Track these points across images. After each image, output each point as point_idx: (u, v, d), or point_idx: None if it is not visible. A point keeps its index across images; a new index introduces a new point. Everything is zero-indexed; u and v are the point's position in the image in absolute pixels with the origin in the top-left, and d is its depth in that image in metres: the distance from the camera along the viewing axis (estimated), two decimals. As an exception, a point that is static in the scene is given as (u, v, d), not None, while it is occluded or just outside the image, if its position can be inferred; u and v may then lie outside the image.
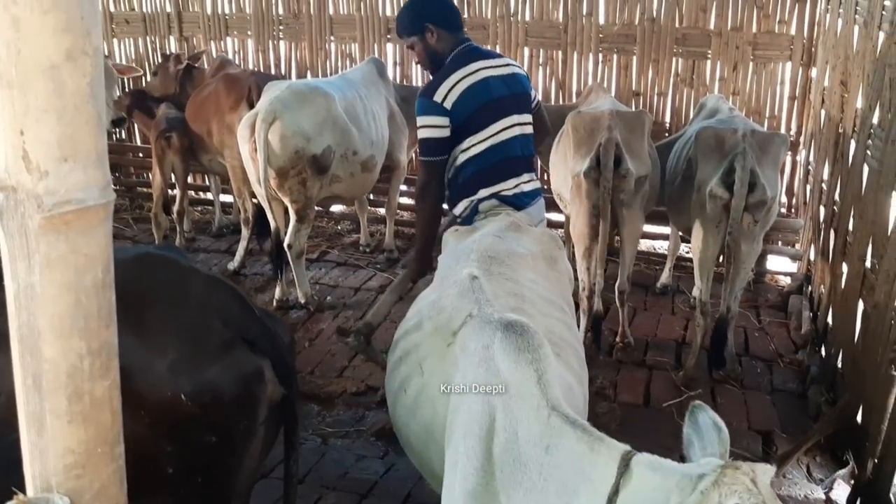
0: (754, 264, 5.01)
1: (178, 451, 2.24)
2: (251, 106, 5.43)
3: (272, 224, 5.41)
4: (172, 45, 7.83)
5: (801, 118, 6.35)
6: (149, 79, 7.25)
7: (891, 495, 3.33)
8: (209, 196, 7.51)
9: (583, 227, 4.43)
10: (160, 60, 7.12)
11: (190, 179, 7.11)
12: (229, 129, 5.58)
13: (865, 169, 4.09)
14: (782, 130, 6.35)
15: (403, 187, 6.70)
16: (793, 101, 6.35)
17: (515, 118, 3.72)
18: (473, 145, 3.64)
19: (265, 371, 2.41)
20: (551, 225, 5.25)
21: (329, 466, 3.86)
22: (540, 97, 6.81)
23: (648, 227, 6.11)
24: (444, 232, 3.38)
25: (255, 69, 7.37)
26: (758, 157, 4.17)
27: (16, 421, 1.51)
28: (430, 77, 3.81)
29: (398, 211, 6.74)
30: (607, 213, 4.35)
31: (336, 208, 7.20)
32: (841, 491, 3.68)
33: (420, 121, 3.66)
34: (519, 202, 3.70)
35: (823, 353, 4.78)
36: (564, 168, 4.67)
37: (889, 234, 3.56)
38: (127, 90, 7.57)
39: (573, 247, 4.75)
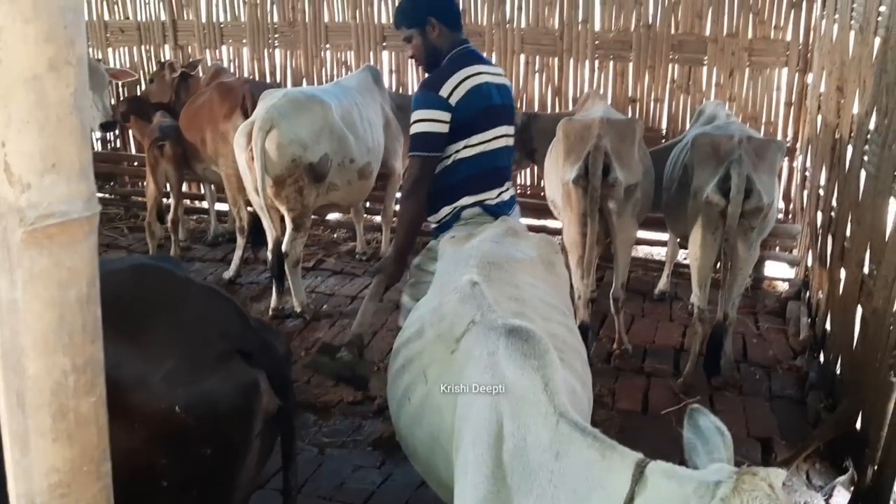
0: (752, 270, 4.99)
1: (174, 464, 2.23)
2: (245, 114, 5.41)
3: (271, 233, 5.37)
4: (167, 54, 7.84)
5: (797, 124, 6.35)
6: (143, 85, 7.25)
7: (891, 502, 3.31)
8: (204, 205, 7.48)
9: (574, 234, 4.42)
10: (156, 68, 7.11)
11: (186, 188, 7.10)
12: (223, 138, 5.57)
13: (862, 174, 4.08)
14: (779, 136, 6.35)
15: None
16: (789, 107, 6.35)
17: (504, 129, 3.68)
18: (465, 148, 3.55)
19: (261, 382, 2.40)
20: (550, 231, 5.23)
21: (326, 477, 3.82)
22: (536, 104, 6.92)
23: (646, 234, 6.10)
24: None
25: (251, 77, 7.37)
26: (754, 163, 4.15)
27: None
28: (425, 74, 3.75)
29: (394, 218, 6.71)
30: (595, 222, 4.32)
31: (332, 216, 7.17)
32: (841, 498, 3.65)
33: (420, 114, 3.48)
34: (500, 211, 3.64)
35: (822, 359, 4.76)
36: (556, 175, 4.65)
37: (887, 239, 3.54)
38: (123, 97, 7.58)
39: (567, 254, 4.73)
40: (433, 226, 3.69)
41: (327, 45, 7.40)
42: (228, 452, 2.33)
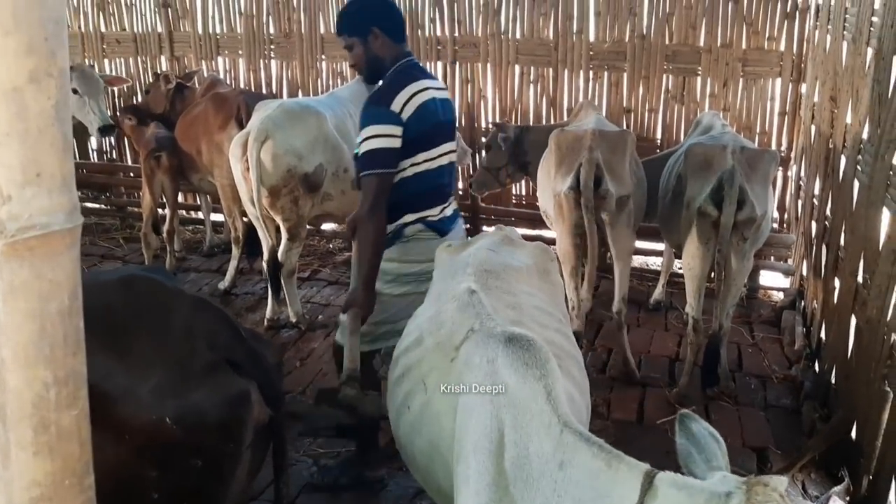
0: (747, 280, 4.98)
1: (163, 477, 2.22)
2: (240, 125, 5.43)
3: (266, 243, 5.37)
4: (163, 65, 7.85)
5: (791, 134, 6.36)
6: (139, 95, 7.26)
7: (887, 513, 3.30)
8: (200, 215, 7.48)
9: (567, 245, 4.42)
10: (151, 80, 7.12)
11: (181, 199, 7.09)
12: (218, 148, 5.57)
13: (856, 184, 4.08)
14: (773, 146, 6.36)
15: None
16: (783, 117, 6.36)
17: (449, 146, 3.57)
18: (412, 166, 3.41)
19: (251, 393, 2.39)
20: (544, 241, 5.22)
21: (320, 488, 3.80)
22: (531, 115, 6.93)
23: (640, 244, 6.10)
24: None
25: (247, 88, 7.37)
26: (747, 174, 4.15)
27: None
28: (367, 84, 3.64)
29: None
30: (594, 234, 4.31)
31: (327, 227, 7.16)
32: (836, 509, 3.64)
33: (372, 130, 3.30)
34: (444, 227, 3.55)
35: (817, 368, 4.75)
36: (548, 186, 4.65)
37: (880, 249, 3.54)
38: (121, 106, 7.59)
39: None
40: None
41: (323, 56, 7.41)
42: (219, 464, 2.32)
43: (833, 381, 4.29)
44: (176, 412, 2.16)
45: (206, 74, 7.36)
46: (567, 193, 4.31)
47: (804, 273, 5.64)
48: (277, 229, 5.27)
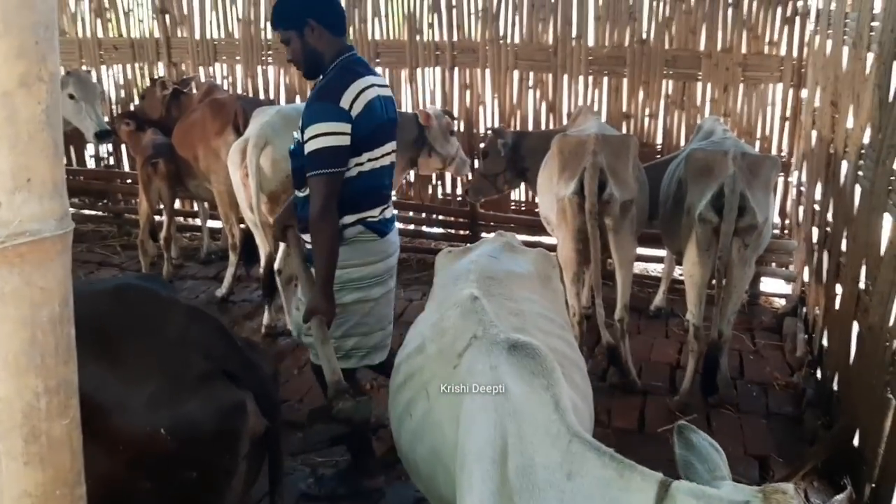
0: (748, 286, 4.96)
1: (157, 489, 2.21)
2: (237, 131, 5.41)
3: (264, 250, 5.34)
4: (161, 71, 7.84)
5: (792, 139, 6.35)
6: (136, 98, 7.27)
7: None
8: (197, 222, 7.45)
9: (569, 251, 4.39)
10: (147, 85, 7.11)
11: (178, 205, 7.07)
12: (215, 154, 5.55)
13: (857, 190, 4.06)
14: (774, 151, 6.36)
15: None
16: (784, 122, 6.35)
17: (391, 145, 3.49)
18: (356, 166, 3.30)
19: (247, 404, 2.38)
20: (544, 248, 5.19)
21: (317, 498, 3.77)
22: (530, 120, 6.92)
23: (641, 250, 6.07)
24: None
25: (244, 94, 7.36)
26: (748, 180, 4.13)
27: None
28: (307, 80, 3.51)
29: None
30: (597, 240, 4.28)
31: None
32: (839, 517, 3.61)
33: (320, 127, 3.16)
34: (384, 228, 3.48)
35: (819, 376, 4.72)
36: (550, 191, 4.63)
37: (882, 255, 3.52)
38: (117, 114, 7.58)
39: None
40: (309, 246, 3.41)
41: (321, 62, 7.38)
42: (214, 476, 2.30)
43: (835, 388, 4.27)
44: (170, 423, 2.14)
45: (203, 80, 7.34)
46: (570, 198, 4.29)
47: (806, 279, 5.62)
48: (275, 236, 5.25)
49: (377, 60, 7.19)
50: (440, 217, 7.10)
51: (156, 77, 7.22)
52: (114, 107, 8.08)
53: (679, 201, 4.46)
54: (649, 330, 5.56)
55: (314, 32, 3.27)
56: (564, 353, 2.46)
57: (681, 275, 5.78)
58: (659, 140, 6.68)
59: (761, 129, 6.42)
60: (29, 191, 1.30)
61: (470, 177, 6.82)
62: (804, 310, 5.57)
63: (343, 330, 3.42)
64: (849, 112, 4.40)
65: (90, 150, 8.31)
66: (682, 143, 6.30)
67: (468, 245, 3.30)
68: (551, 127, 6.70)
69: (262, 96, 7.51)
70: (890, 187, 3.50)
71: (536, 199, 6.07)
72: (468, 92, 7.06)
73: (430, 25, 7.01)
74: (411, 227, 7.24)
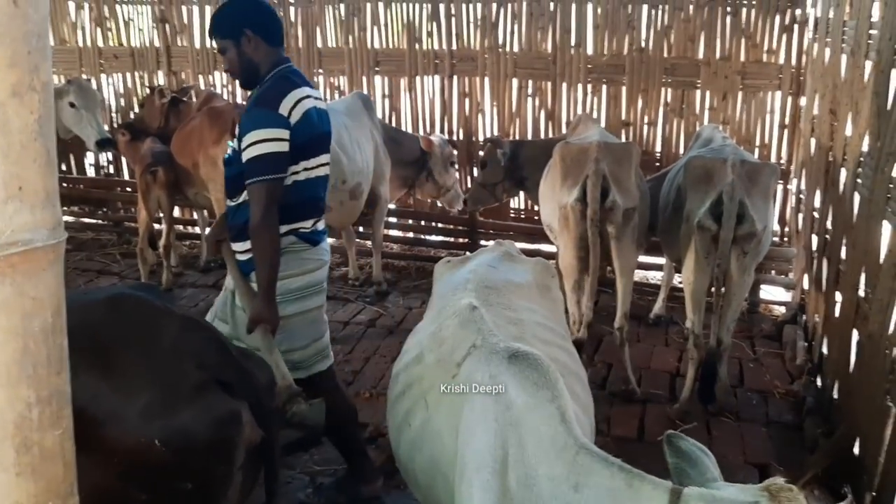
0: (748, 294, 4.95)
1: (152, 500, 2.20)
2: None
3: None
4: (161, 80, 7.85)
5: (791, 146, 6.35)
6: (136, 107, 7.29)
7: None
8: (196, 230, 7.45)
9: (570, 259, 4.38)
10: (146, 94, 7.12)
11: (178, 213, 7.06)
12: (213, 163, 5.55)
13: (856, 197, 4.06)
14: (773, 159, 6.36)
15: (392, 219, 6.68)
16: (783, 130, 6.35)
17: (326, 157, 3.49)
18: (290, 175, 3.27)
19: (242, 414, 2.36)
20: (543, 256, 5.19)
21: (316, 506, 3.77)
22: (530, 128, 6.92)
23: (640, 258, 6.07)
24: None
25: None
26: (747, 187, 4.12)
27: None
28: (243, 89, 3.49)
29: (386, 243, 6.70)
30: (597, 246, 4.27)
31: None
32: (840, 525, 3.60)
33: (261, 133, 3.13)
34: (316, 238, 3.48)
35: (819, 383, 4.71)
36: (552, 199, 4.62)
37: (881, 262, 3.51)
38: (117, 123, 7.59)
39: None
40: (240, 256, 3.39)
41: (320, 70, 7.41)
42: (209, 486, 2.29)
43: (835, 396, 4.25)
44: (164, 434, 2.13)
45: (202, 89, 7.34)
46: (573, 205, 4.28)
47: (805, 287, 5.61)
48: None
49: (377, 69, 7.21)
50: (439, 225, 7.10)
51: (154, 86, 7.23)
52: (114, 115, 8.10)
53: (678, 209, 4.45)
54: (649, 338, 5.56)
55: (250, 43, 3.28)
56: (565, 363, 2.46)
57: (680, 282, 5.79)
58: (658, 148, 6.68)
59: (760, 137, 6.42)
60: (21, 200, 1.30)
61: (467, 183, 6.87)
62: (804, 317, 5.56)
63: (288, 345, 3.35)
64: (847, 120, 4.40)
65: (90, 158, 8.32)
66: (682, 150, 6.30)
67: (467, 254, 3.30)
68: (550, 135, 6.70)
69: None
70: (889, 195, 3.50)
71: (536, 207, 6.08)
72: (467, 100, 7.07)
73: (430, 34, 7.03)
74: (410, 234, 7.23)
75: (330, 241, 6.87)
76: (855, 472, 3.67)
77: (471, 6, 6.87)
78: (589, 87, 6.70)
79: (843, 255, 4.31)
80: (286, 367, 3.13)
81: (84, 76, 7.90)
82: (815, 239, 5.25)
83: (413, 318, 5.65)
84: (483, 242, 6.63)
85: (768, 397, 4.72)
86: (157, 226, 6.42)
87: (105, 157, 8.21)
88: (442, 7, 6.93)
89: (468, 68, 6.97)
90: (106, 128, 7.00)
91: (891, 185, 3.48)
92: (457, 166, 6.72)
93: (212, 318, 3.53)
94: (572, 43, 6.61)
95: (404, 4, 7.02)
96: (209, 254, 3.71)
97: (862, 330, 3.78)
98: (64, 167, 8.16)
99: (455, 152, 6.69)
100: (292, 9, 7.38)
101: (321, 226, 3.54)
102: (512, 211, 7.14)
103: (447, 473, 2.15)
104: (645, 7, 6.40)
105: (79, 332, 1.60)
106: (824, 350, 4.70)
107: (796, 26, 6.10)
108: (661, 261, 5.93)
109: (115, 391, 2.10)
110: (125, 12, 8.02)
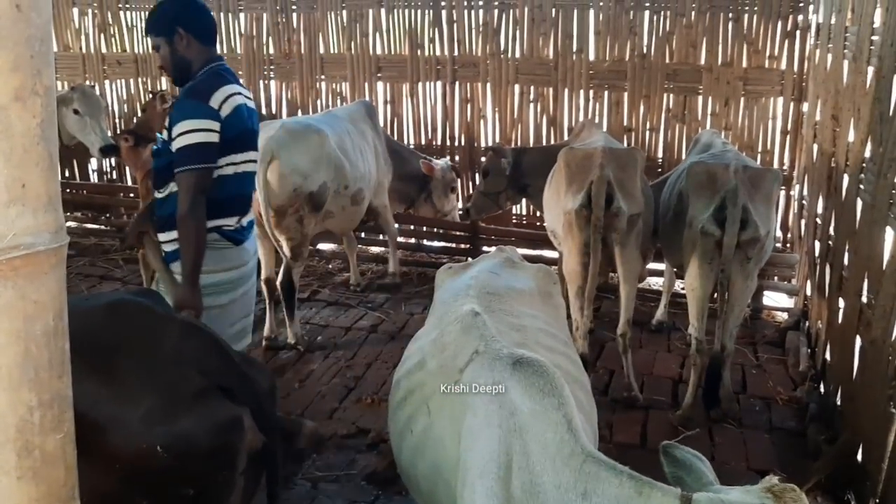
0: (750, 300, 4.93)
1: (154, 506, 2.18)
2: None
3: (265, 261, 5.34)
4: (164, 86, 7.85)
5: (793, 152, 6.35)
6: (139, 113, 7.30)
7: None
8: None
9: (574, 265, 4.36)
10: (148, 99, 7.14)
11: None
12: (215, 168, 5.56)
13: (859, 203, 4.05)
14: (775, 165, 6.36)
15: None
16: (785, 136, 6.36)
17: (253, 154, 3.54)
18: (217, 168, 3.32)
19: (244, 419, 2.35)
20: (546, 262, 5.19)
21: (317, 514, 3.76)
22: (531, 134, 6.93)
23: (643, 264, 6.07)
24: None
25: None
26: (750, 193, 4.12)
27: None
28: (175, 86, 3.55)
29: (388, 249, 6.72)
30: (598, 252, 4.27)
31: (326, 247, 7.15)
32: (843, 532, 3.59)
33: (190, 124, 3.20)
34: (240, 236, 3.51)
35: (822, 390, 4.69)
36: (557, 205, 4.61)
37: (884, 268, 3.51)
38: (120, 129, 7.60)
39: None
40: (166, 247, 3.43)
41: (322, 77, 7.43)
42: (211, 492, 2.28)
43: (838, 402, 4.24)
44: (166, 440, 2.12)
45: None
46: (578, 211, 4.27)
47: (808, 293, 5.60)
48: (275, 250, 5.27)
49: (379, 75, 7.22)
50: (441, 231, 7.10)
51: (155, 91, 7.25)
52: (118, 121, 8.11)
53: (680, 214, 4.44)
54: (651, 344, 5.54)
55: (183, 40, 3.37)
56: (568, 370, 2.45)
57: (682, 288, 5.78)
58: (660, 154, 6.69)
59: (762, 143, 6.42)
60: (23, 204, 1.30)
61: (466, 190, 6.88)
62: (807, 324, 5.55)
63: None
64: (850, 126, 4.40)
65: (93, 164, 8.33)
66: (683, 156, 6.30)
67: (469, 260, 3.30)
68: (552, 141, 6.70)
69: (263, 111, 7.54)
70: (891, 201, 3.49)
71: (538, 213, 6.08)
72: (469, 106, 7.08)
73: (432, 40, 7.05)
74: (412, 241, 7.24)
75: (331, 246, 7.00)
76: (858, 479, 3.66)
77: (472, 12, 6.90)
78: (591, 92, 6.72)
79: (845, 261, 4.30)
80: None
81: (88, 82, 7.92)
82: (817, 245, 5.24)
83: (415, 324, 5.65)
84: (485, 248, 6.61)
85: (771, 404, 4.70)
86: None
87: (108, 162, 8.24)
88: (444, 13, 6.96)
89: (470, 74, 6.99)
90: (109, 133, 7.01)
91: (893, 191, 3.48)
92: (458, 193, 6.78)
93: None
94: (574, 49, 6.62)
95: (406, 11, 7.05)
96: (129, 242, 3.75)
97: (865, 336, 3.76)
98: (67, 173, 8.18)
99: (457, 179, 6.72)
100: (295, 15, 7.41)
101: (246, 222, 3.58)
102: (514, 217, 7.15)
103: (449, 480, 2.14)
104: (647, 13, 6.42)
105: (80, 337, 1.60)
106: (827, 356, 4.69)
107: (798, 32, 6.12)
108: (662, 266, 5.92)
109: (117, 397, 2.09)
110: (128, 18, 8.05)
